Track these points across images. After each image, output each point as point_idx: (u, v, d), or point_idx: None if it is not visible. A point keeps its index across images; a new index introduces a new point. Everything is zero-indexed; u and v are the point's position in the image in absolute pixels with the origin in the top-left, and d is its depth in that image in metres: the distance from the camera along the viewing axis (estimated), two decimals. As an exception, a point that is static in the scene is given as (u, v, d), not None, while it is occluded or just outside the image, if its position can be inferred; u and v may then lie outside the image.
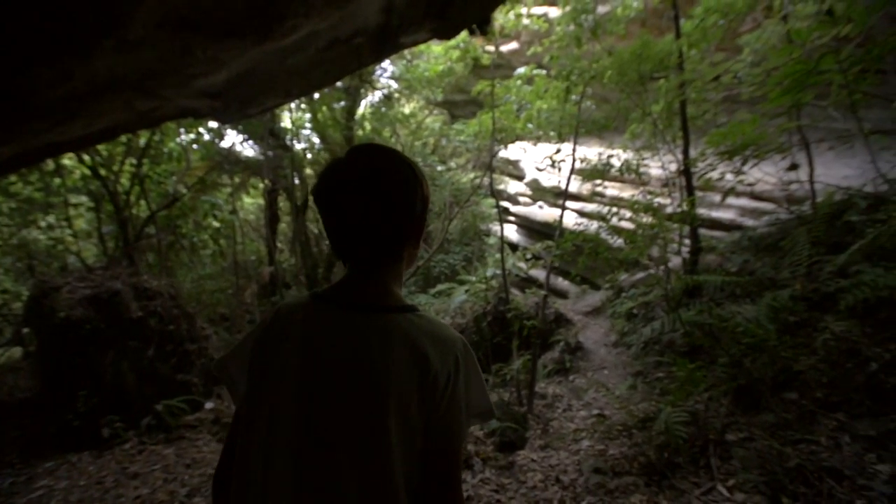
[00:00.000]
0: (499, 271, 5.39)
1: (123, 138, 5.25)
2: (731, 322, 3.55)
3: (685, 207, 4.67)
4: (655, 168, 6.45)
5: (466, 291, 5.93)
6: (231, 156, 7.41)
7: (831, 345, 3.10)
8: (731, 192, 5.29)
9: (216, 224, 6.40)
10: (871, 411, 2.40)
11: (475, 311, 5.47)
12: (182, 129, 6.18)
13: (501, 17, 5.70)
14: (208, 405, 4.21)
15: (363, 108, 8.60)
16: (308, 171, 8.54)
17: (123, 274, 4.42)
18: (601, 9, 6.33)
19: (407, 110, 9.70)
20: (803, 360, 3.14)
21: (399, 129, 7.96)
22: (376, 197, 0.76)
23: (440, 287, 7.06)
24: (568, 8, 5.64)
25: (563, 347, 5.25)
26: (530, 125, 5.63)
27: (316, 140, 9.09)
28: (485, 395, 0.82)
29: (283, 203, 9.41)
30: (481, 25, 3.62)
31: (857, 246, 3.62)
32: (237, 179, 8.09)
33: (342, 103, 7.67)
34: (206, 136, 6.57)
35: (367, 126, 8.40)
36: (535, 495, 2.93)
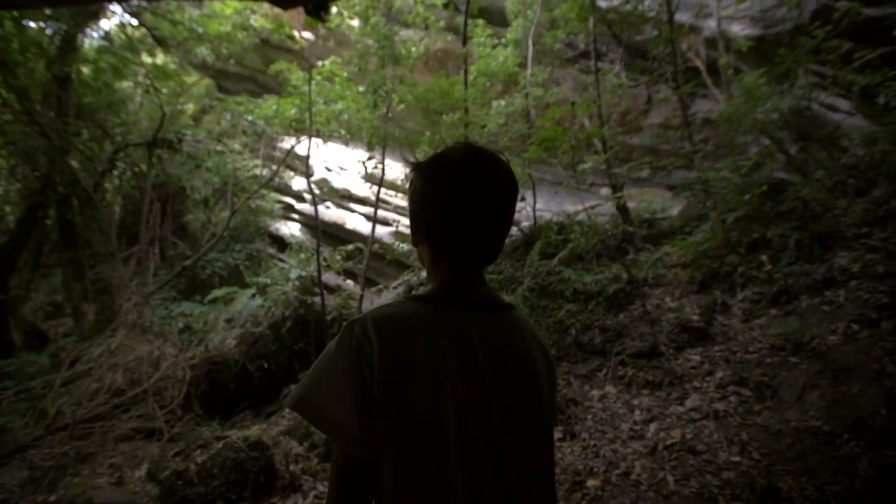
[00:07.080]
0: (303, 273, 5.09)
1: None
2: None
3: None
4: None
5: (256, 296, 5.23)
6: None
7: (551, 319, 4.69)
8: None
9: None
10: (581, 358, 3.85)
11: (271, 317, 4.94)
12: None
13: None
14: None
15: (89, 41, 6.05)
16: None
17: None
18: (397, 38, 7.05)
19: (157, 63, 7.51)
20: (539, 331, 4.62)
21: (158, 85, 6.03)
22: (514, 204, 0.80)
23: (217, 293, 5.73)
24: (368, 27, 6.02)
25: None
26: (334, 125, 5.62)
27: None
28: None
29: None
30: (318, 9, 3.50)
31: (560, 255, 5.62)
32: None
33: (58, 26, 5.14)
34: None
35: (92, 68, 5.96)
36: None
